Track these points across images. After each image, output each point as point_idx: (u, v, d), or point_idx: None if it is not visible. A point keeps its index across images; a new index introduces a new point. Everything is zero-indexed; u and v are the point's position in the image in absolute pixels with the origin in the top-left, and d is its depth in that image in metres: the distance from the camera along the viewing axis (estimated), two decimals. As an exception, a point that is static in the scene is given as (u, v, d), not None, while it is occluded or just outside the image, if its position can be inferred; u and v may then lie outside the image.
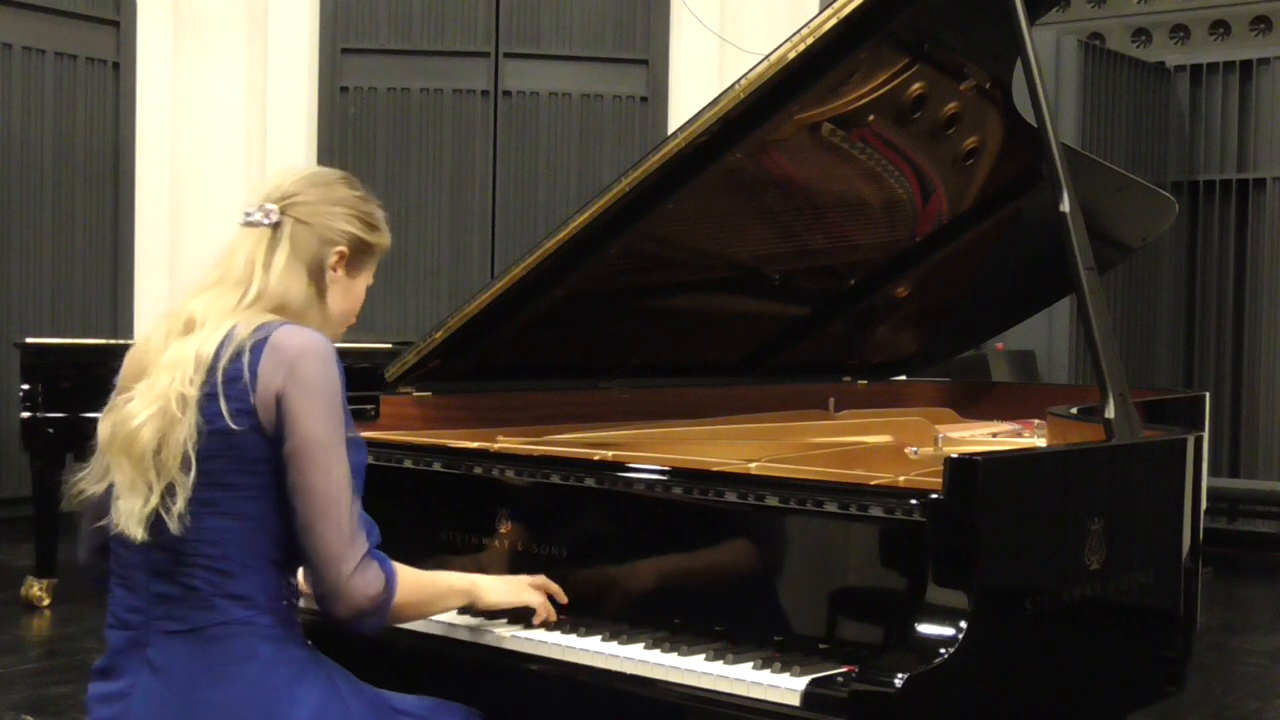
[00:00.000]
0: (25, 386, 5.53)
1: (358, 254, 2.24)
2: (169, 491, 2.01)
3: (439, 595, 2.25)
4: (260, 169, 8.60)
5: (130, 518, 2.02)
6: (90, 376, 5.57)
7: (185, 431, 2.01)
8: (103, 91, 8.09)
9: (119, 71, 8.14)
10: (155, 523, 2.02)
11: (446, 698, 2.24)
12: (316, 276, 2.19)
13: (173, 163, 8.50)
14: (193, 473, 2.01)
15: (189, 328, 2.10)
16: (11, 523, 7.18)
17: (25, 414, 5.51)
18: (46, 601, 5.67)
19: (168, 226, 8.45)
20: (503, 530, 2.50)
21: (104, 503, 2.10)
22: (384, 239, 2.29)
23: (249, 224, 2.17)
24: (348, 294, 2.26)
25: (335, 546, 2.04)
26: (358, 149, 8.59)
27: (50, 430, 5.49)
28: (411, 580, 2.16)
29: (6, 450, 7.47)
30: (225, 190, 8.62)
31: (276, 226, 2.16)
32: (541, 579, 2.37)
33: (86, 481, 2.12)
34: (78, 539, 2.23)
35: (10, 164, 7.64)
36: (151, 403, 2.04)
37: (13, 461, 7.41)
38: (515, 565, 2.47)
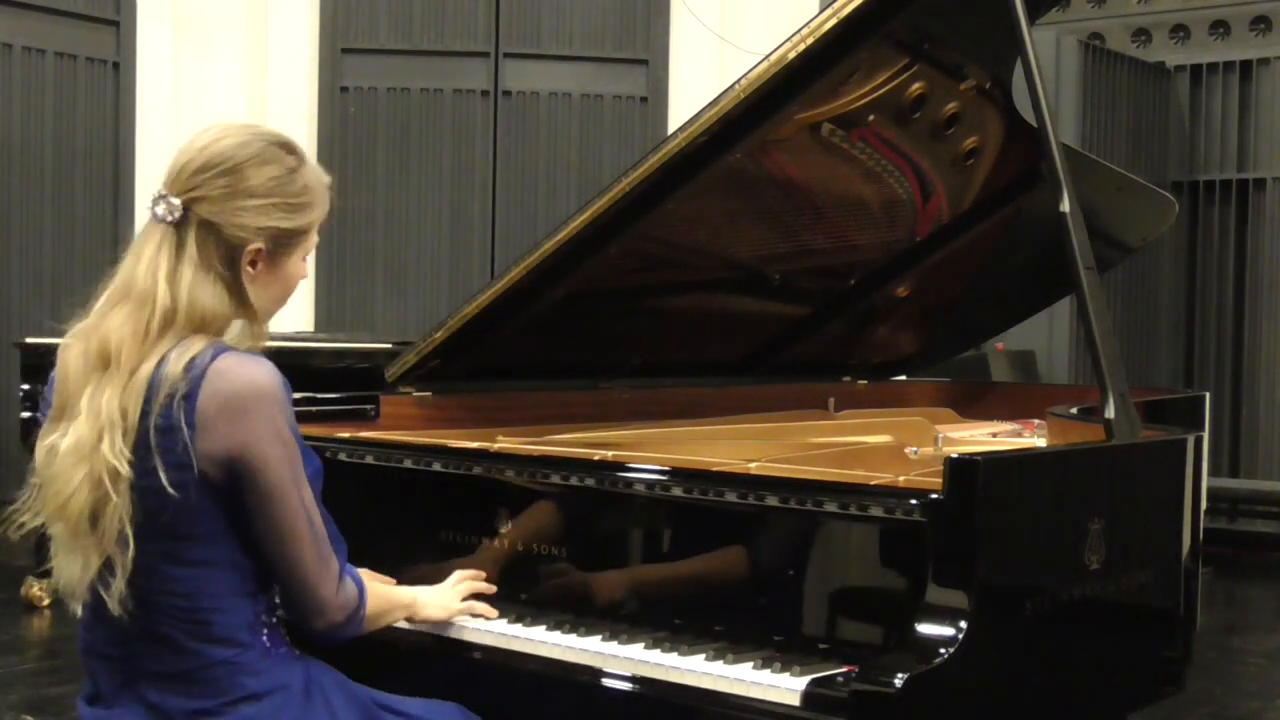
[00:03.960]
0: (25, 386, 5.53)
1: (280, 245, 2.00)
2: (108, 566, 1.89)
3: (391, 608, 2.24)
4: (260, 169, 8.60)
5: (69, 582, 1.92)
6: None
7: (121, 510, 1.86)
8: (103, 91, 8.09)
9: (119, 71, 8.13)
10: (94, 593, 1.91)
11: (445, 697, 2.24)
12: (231, 283, 1.97)
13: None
14: (130, 552, 1.87)
15: (104, 359, 1.92)
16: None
17: (25, 414, 5.51)
18: (46, 601, 5.67)
19: (168, 226, 8.44)
20: (503, 530, 2.50)
21: None
22: (313, 215, 2.03)
23: (153, 216, 1.97)
24: (272, 284, 2.02)
25: (314, 573, 2.00)
26: (358, 149, 8.59)
27: (50, 430, 5.48)
28: (371, 592, 2.14)
29: (6, 450, 7.47)
30: (225, 190, 8.62)
31: (179, 226, 1.95)
32: (467, 578, 2.39)
33: (26, 514, 1.97)
34: None
35: (10, 164, 7.64)
36: (80, 461, 1.87)
37: (13, 461, 7.40)
38: (515, 565, 2.47)
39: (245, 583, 1.99)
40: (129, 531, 1.87)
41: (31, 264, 7.76)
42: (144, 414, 1.88)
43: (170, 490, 1.87)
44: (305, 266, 2.08)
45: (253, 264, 1.99)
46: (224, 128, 2.02)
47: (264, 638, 2.00)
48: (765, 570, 2.27)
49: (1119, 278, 7.62)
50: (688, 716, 2.11)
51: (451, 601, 2.35)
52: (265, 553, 1.98)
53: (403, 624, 2.34)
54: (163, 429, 1.88)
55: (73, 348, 1.98)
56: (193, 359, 1.90)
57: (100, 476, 1.87)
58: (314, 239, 2.07)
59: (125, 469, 1.86)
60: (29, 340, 5.92)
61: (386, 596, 2.25)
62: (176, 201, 1.96)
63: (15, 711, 4.32)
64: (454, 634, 2.35)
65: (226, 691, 1.96)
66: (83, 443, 1.88)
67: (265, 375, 1.92)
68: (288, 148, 2.03)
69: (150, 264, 1.95)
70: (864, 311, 3.82)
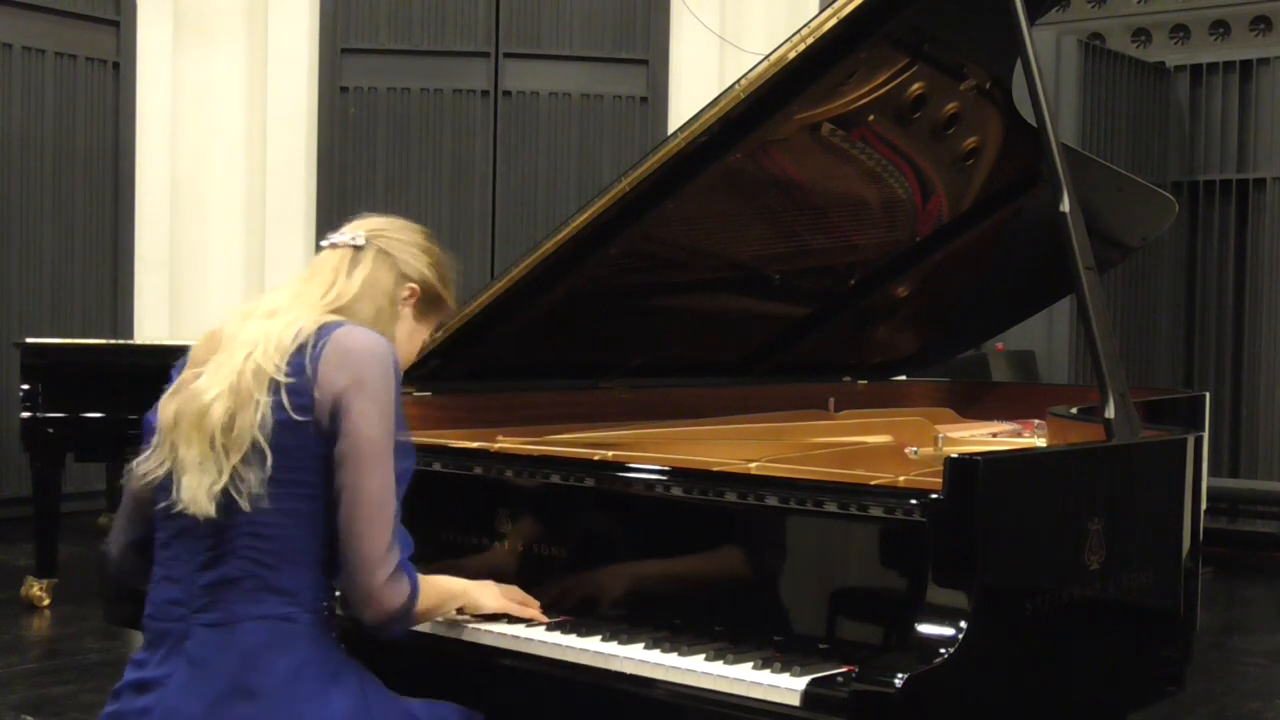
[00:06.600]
0: (25, 386, 5.52)
1: (428, 300, 2.32)
2: (239, 471, 2.03)
3: (443, 601, 2.29)
4: (260, 169, 8.61)
5: (199, 493, 2.03)
6: (90, 376, 5.59)
7: (257, 414, 2.03)
8: (103, 91, 8.09)
9: (119, 71, 8.13)
10: (223, 503, 2.04)
11: (445, 697, 2.24)
12: (389, 301, 2.25)
13: (173, 163, 8.49)
14: (268, 459, 2.03)
15: (270, 314, 2.15)
16: (11, 523, 7.18)
17: (25, 414, 5.50)
18: (46, 601, 5.67)
19: (168, 226, 8.44)
20: (503, 530, 2.50)
21: (145, 496, 2.14)
22: (449, 298, 2.36)
23: (333, 245, 2.26)
24: (410, 336, 2.32)
25: (375, 552, 2.06)
26: (358, 149, 8.59)
27: (50, 430, 5.48)
28: (425, 585, 2.19)
29: (6, 450, 7.47)
30: (225, 190, 8.63)
31: (360, 249, 2.25)
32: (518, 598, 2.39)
33: (149, 465, 2.12)
34: (109, 535, 2.25)
35: (10, 164, 7.64)
36: (223, 379, 2.07)
37: (13, 461, 7.41)
38: (515, 565, 2.47)
39: (322, 549, 2.08)
40: (263, 441, 2.03)
41: (31, 264, 7.75)
42: (283, 353, 2.08)
43: (293, 415, 2.04)
44: (417, 346, 2.37)
45: (404, 303, 2.28)
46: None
47: (324, 607, 2.10)
48: (765, 570, 2.27)
49: (1119, 278, 7.62)
50: (687, 716, 2.11)
51: (501, 595, 2.37)
52: (337, 516, 2.06)
53: None
54: (293, 370, 2.07)
55: (235, 313, 2.20)
56: (326, 323, 2.14)
57: (243, 384, 2.05)
58: (432, 329, 2.38)
59: (272, 370, 2.06)
60: (29, 340, 5.93)
61: (439, 589, 2.29)
62: (361, 233, 2.27)
63: (15, 711, 4.33)
64: (454, 634, 2.35)
65: (271, 646, 2.03)
66: (227, 362, 2.09)
67: (383, 344, 2.14)
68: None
69: (333, 267, 2.24)
70: (864, 311, 3.82)
